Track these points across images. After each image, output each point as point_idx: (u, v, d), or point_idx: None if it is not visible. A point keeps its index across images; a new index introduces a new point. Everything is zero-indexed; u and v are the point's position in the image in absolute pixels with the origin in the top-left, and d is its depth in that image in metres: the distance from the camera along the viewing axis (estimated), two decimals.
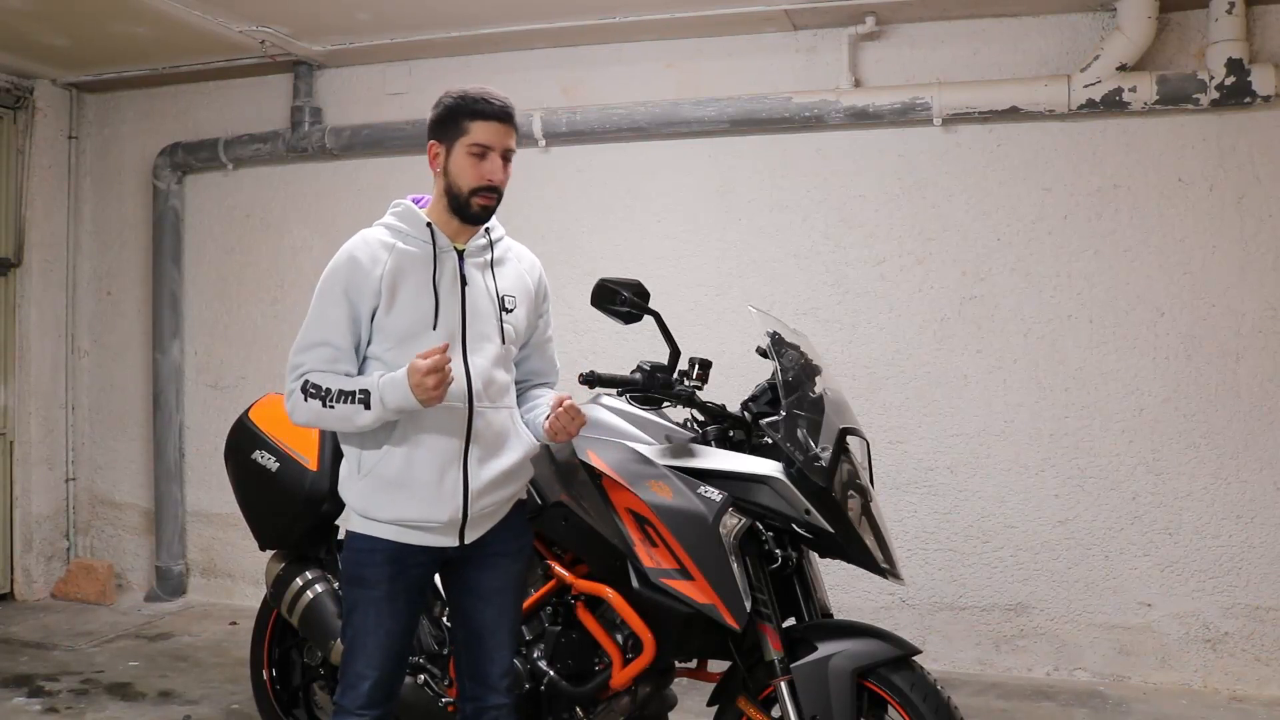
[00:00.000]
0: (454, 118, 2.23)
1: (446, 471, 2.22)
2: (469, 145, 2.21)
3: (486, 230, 2.34)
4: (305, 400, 2.19)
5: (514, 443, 2.33)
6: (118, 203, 5.40)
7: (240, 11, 4.28)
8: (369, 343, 2.24)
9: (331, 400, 2.17)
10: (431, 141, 2.26)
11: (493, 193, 2.24)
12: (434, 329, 2.22)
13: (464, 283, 2.27)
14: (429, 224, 2.26)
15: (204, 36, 4.52)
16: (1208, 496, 3.92)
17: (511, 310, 2.33)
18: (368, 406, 2.15)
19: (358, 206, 4.87)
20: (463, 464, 2.23)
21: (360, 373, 2.26)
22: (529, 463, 2.39)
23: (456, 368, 2.21)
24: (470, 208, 2.24)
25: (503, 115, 2.22)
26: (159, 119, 5.30)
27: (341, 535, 2.81)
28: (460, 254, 2.28)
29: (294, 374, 2.22)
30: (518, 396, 2.45)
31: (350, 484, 2.29)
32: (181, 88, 5.25)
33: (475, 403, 2.24)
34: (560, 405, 2.27)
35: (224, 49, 4.73)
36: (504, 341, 2.31)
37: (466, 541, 2.28)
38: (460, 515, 2.23)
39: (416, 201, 2.33)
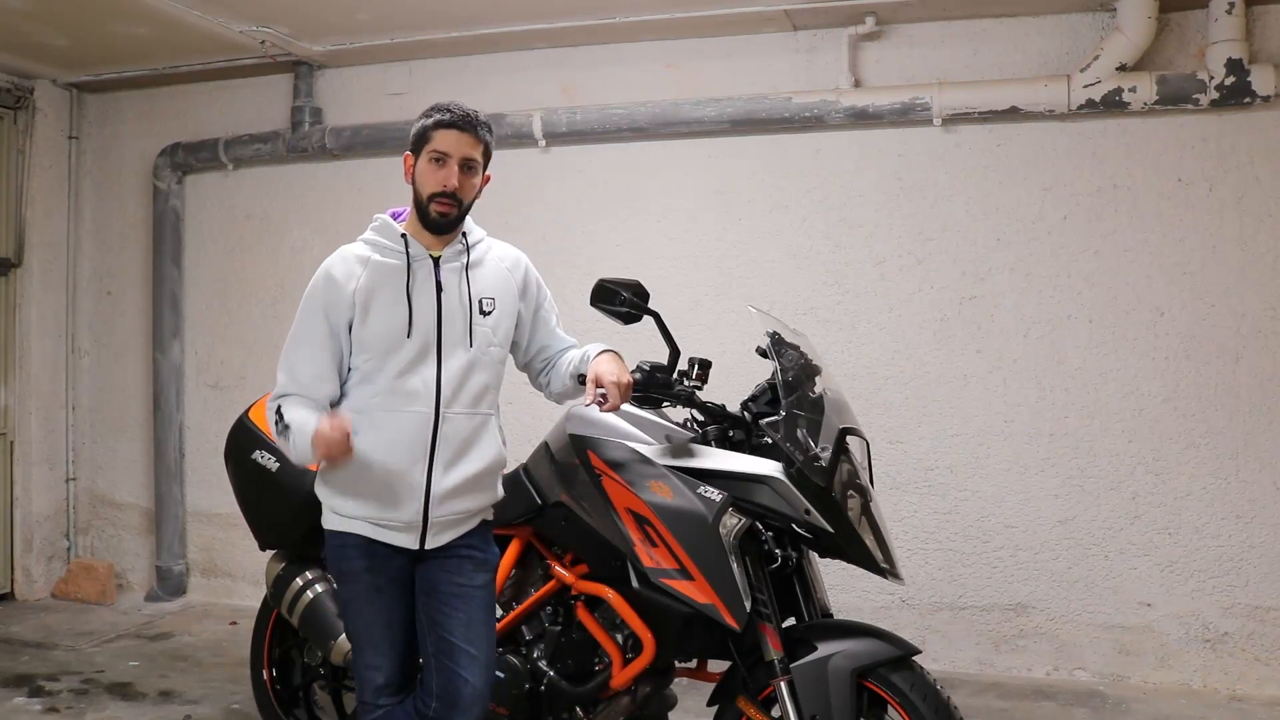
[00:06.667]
0: (421, 129, 2.30)
1: (409, 472, 2.25)
2: (429, 152, 2.27)
3: (464, 235, 2.36)
4: (274, 423, 2.29)
5: (483, 450, 2.35)
6: (118, 203, 5.40)
7: (240, 11, 4.28)
8: (350, 353, 2.30)
9: (276, 428, 2.27)
10: (406, 154, 2.34)
11: (449, 199, 2.26)
12: (408, 337, 2.25)
13: (439, 289, 2.30)
14: (403, 234, 2.30)
15: (204, 36, 4.52)
16: (1208, 496, 3.92)
17: (489, 313, 2.35)
18: (284, 436, 2.25)
19: (358, 206, 4.87)
20: (427, 467, 2.26)
21: (346, 383, 2.32)
22: (498, 477, 2.42)
23: (428, 373, 2.26)
24: (429, 214, 2.28)
25: (462, 124, 2.26)
26: (159, 119, 5.30)
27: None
28: (436, 261, 2.31)
29: (275, 398, 2.30)
30: (546, 371, 2.52)
31: (322, 480, 2.35)
32: (181, 88, 5.25)
33: (442, 408, 2.27)
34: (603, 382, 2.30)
35: (224, 49, 4.73)
36: (473, 345, 2.32)
37: (428, 547, 2.30)
38: (420, 518, 2.27)
39: (397, 215, 2.38)
